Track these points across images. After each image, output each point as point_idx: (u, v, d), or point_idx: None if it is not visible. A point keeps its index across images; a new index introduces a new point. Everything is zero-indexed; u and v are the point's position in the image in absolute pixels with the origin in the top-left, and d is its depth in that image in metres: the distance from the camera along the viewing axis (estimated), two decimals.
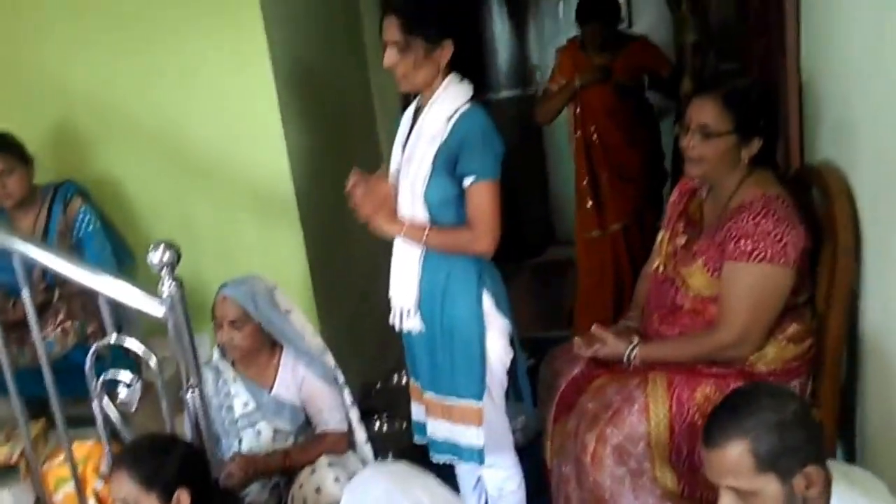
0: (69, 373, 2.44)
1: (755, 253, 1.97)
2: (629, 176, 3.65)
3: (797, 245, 1.98)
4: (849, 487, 1.49)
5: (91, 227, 2.81)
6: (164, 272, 1.94)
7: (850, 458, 2.15)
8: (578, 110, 3.65)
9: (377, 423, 3.21)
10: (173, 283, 1.95)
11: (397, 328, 2.30)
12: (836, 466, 1.56)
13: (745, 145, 2.05)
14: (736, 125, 2.04)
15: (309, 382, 2.43)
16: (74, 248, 2.78)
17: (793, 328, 2.06)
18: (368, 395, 3.43)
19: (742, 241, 1.99)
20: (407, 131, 2.22)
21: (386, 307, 2.35)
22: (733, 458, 1.46)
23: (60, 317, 2.70)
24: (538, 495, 2.46)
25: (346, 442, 2.46)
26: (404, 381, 3.34)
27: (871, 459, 2.02)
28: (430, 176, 2.09)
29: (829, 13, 2.19)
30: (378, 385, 3.52)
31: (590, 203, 3.66)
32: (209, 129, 2.90)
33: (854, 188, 2.04)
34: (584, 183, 3.67)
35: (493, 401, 2.23)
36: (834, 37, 2.17)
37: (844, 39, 2.08)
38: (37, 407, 2.49)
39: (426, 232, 2.11)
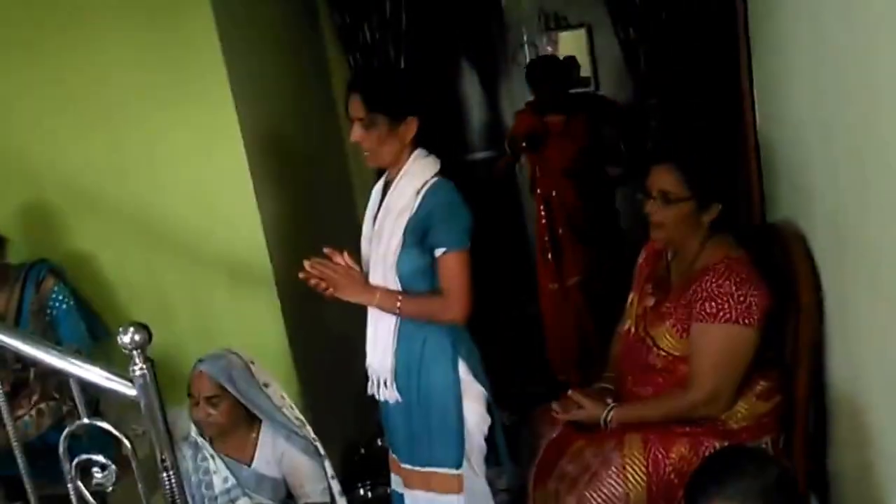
0: (46, 453, 2.41)
1: (720, 314, 2.02)
2: (586, 234, 3.73)
3: (760, 305, 2.03)
4: None
5: (65, 305, 2.81)
6: (135, 353, 1.95)
7: None
8: (538, 170, 3.76)
9: (360, 491, 3.19)
10: (143, 365, 1.95)
11: (375, 397, 2.30)
12: None
13: (704, 210, 2.12)
14: (694, 191, 2.10)
15: (289, 456, 2.42)
16: (49, 327, 2.78)
17: (761, 385, 2.10)
18: (350, 461, 3.40)
19: (707, 303, 2.04)
20: (377, 205, 2.26)
21: (365, 372, 2.36)
22: None
23: (35, 397, 2.67)
24: None
25: None
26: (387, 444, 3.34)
27: None
28: (402, 248, 2.13)
29: (776, 71, 2.26)
30: (361, 451, 3.49)
31: (549, 257, 3.73)
32: (180, 202, 2.91)
33: (812, 246, 2.10)
34: (545, 238, 3.75)
35: (473, 467, 2.24)
36: (784, 96, 2.24)
37: (793, 99, 2.15)
38: (15, 488, 2.46)
39: (399, 299, 2.13)
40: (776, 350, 2.14)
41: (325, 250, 2.18)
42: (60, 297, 2.80)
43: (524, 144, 3.72)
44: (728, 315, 2.01)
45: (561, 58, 4.33)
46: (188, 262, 2.96)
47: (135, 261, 2.99)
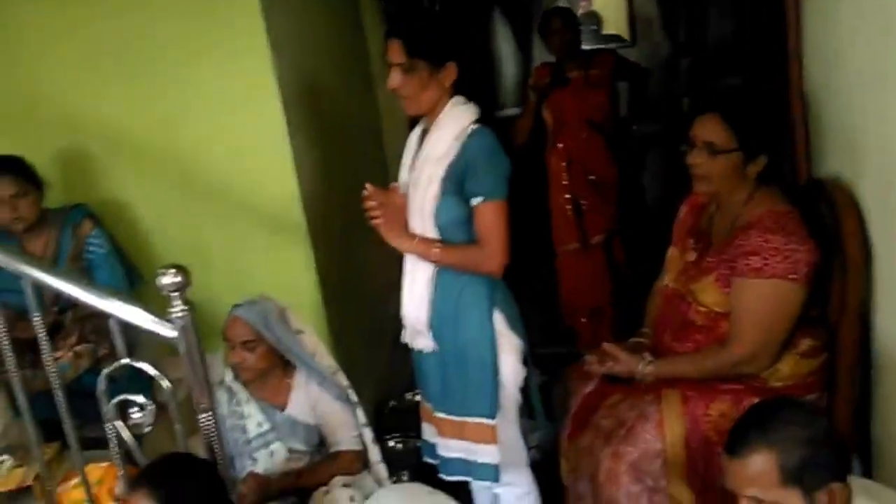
0: (83, 396, 2.44)
1: (765, 269, 1.97)
2: (607, 187, 3.67)
3: (807, 260, 1.98)
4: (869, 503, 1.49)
5: (102, 250, 2.82)
6: (174, 296, 1.96)
7: (867, 472, 2.13)
8: (559, 124, 3.69)
9: (391, 442, 3.20)
10: (183, 306, 1.96)
11: (408, 347, 2.30)
12: (856, 482, 1.55)
13: (751, 162, 2.06)
14: (741, 142, 2.04)
15: (322, 402, 2.44)
16: (85, 272, 2.79)
17: (806, 343, 2.06)
18: (381, 414, 3.42)
19: (752, 258, 1.99)
20: (413, 154, 2.23)
21: (398, 326, 2.36)
22: (758, 469, 1.45)
23: (72, 340, 2.70)
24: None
25: (360, 461, 2.45)
26: (417, 398, 3.35)
27: (889, 473, 2.01)
28: (439, 197, 2.11)
29: (831, 23, 2.20)
30: (391, 403, 3.51)
31: (570, 214, 3.67)
32: (217, 150, 2.91)
33: (861, 201, 2.04)
34: (566, 196, 3.69)
35: (507, 419, 2.23)
36: (837, 48, 2.17)
37: (848, 50, 2.08)
38: (51, 430, 2.49)
39: (436, 248, 2.11)
40: (822, 308, 2.10)
41: (392, 185, 2.16)
42: (97, 243, 2.81)
43: (542, 93, 3.64)
44: (774, 270, 1.96)
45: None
46: (223, 211, 2.96)
47: (170, 209, 3.00)
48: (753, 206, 2.06)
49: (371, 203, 2.12)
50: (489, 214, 2.09)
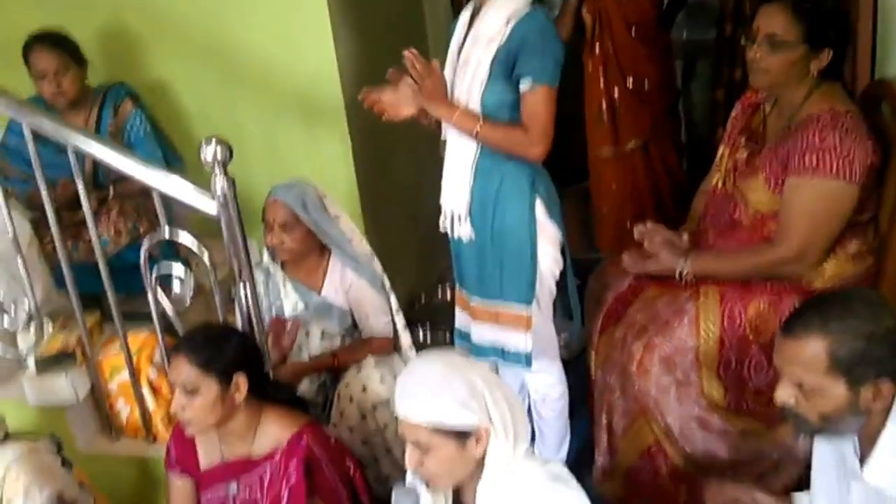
0: (122, 271, 2.49)
1: (820, 168, 1.91)
2: (645, 91, 3.55)
3: (863, 161, 1.92)
4: None
5: (142, 130, 2.83)
6: (216, 169, 1.95)
7: None
8: (597, 24, 3.54)
9: (420, 334, 3.24)
10: (225, 179, 1.96)
11: (448, 233, 2.28)
12: None
13: (814, 56, 1.98)
14: (806, 35, 1.95)
15: (356, 287, 2.46)
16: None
17: (854, 246, 2.02)
18: (412, 308, 3.45)
19: (807, 156, 1.93)
20: (463, 35, 2.17)
21: (432, 221, 2.34)
22: (808, 352, 1.42)
23: (113, 215, 2.74)
24: (581, 406, 2.49)
25: (391, 346, 2.50)
26: (448, 295, 3.37)
27: None
28: (488, 80, 2.05)
29: None
30: (422, 298, 3.53)
31: (606, 118, 3.58)
32: (259, 34, 2.86)
33: None
34: (601, 100, 3.59)
35: (542, 309, 2.23)
36: None
37: None
38: (90, 302, 2.56)
39: (479, 123, 2.06)
40: (874, 212, 2.04)
41: (433, 61, 2.10)
42: (137, 122, 2.82)
43: None
44: (829, 169, 1.90)
45: None
46: (263, 95, 2.94)
47: (210, 91, 2.98)
48: (812, 103, 1.99)
49: (411, 68, 2.06)
50: (537, 99, 2.03)
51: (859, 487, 1.50)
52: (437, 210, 2.31)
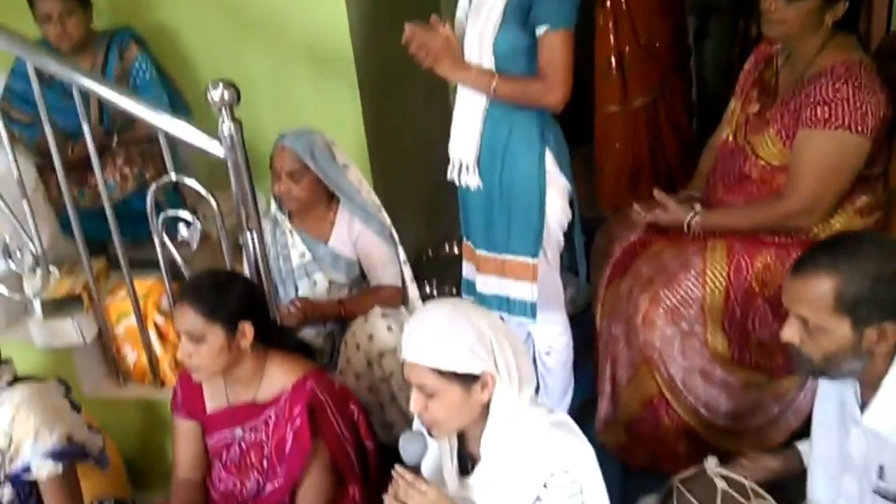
0: (128, 218, 2.49)
1: (832, 120, 1.91)
2: (655, 48, 3.51)
3: (876, 113, 1.91)
4: None
5: (147, 75, 2.80)
6: (223, 112, 1.94)
7: None
8: None
9: (427, 290, 3.24)
10: (232, 122, 1.95)
11: (455, 183, 2.28)
12: None
13: (829, 8, 1.96)
14: None
15: (364, 238, 2.45)
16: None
17: (862, 200, 2.02)
18: (419, 263, 3.45)
19: (819, 108, 1.93)
20: None
21: (440, 178, 2.33)
22: (815, 291, 1.43)
23: (119, 161, 2.73)
24: (584, 361, 2.51)
25: (399, 297, 2.50)
26: (456, 250, 3.37)
27: None
28: (501, 25, 2.02)
29: None
30: (429, 253, 3.53)
31: (614, 74, 3.54)
32: None
33: None
34: (609, 54, 3.54)
35: (549, 260, 2.23)
36: None
37: None
38: (97, 249, 2.57)
39: (495, 79, 2.04)
40: (884, 166, 2.03)
41: (432, 19, 2.08)
42: (143, 67, 2.79)
43: None
44: (840, 121, 1.89)
45: None
46: (271, 44, 2.90)
47: (217, 39, 2.94)
48: (826, 55, 1.98)
49: (413, 46, 2.05)
50: (554, 44, 2.00)
51: (858, 433, 1.52)
52: (446, 166, 2.30)
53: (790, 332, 1.48)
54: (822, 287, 1.42)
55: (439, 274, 3.32)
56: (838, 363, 1.46)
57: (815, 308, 1.43)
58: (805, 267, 1.46)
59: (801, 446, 1.78)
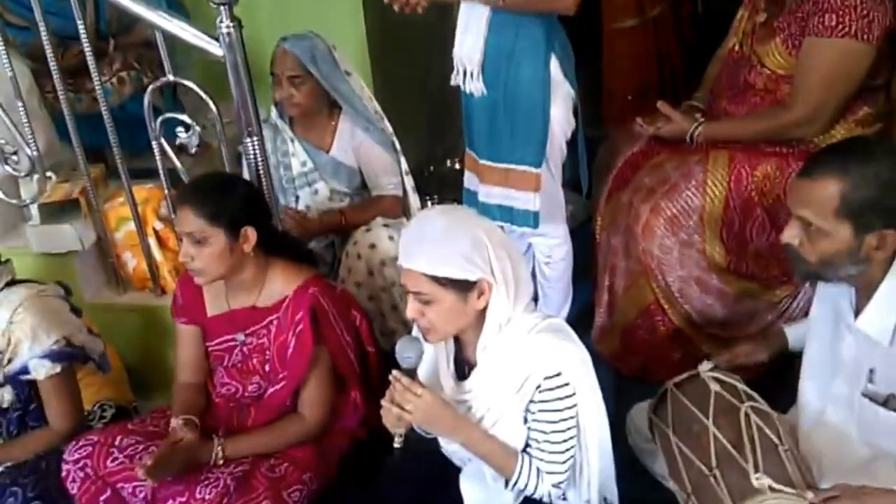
0: (126, 125, 2.46)
1: (839, 27, 1.90)
2: None
3: (882, 22, 1.91)
4: None
5: None
6: (222, 10, 1.90)
7: None
8: None
9: (428, 204, 3.23)
10: (231, 21, 1.91)
11: (460, 89, 2.25)
12: None
13: None
14: None
15: (366, 147, 2.44)
16: None
17: (864, 111, 2.02)
18: (420, 178, 3.43)
19: (826, 16, 1.91)
20: None
21: (444, 88, 2.29)
22: (821, 193, 1.43)
23: (116, 66, 2.69)
24: (582, 276, 2.53)
25: (400, 207, 2.50)
26: (457, 166, 3.35)
27: None
28: None
29: None
30: (431, 168, 3.52)
31: None
32: None
33: None
34: None
35: (552, 170, 2.23)
36: None
37: None
38: (94, 156, 2.54)
39: None
40: (887, 78, 2.02)
41: None
42: None
43: None
44: (847, 29, 1.88)
45: None
46: None
47: None
48: None
49: None
50: None
51: (851, 339, 1.55)
52: (448, 81, 2.26)
53: (791, 234, 1.48)
54: (829, 189, 1.42)
55: (441, 189, 3.30)
56: (835, 267, 1.47)
57: (819, 210, 1.43)
58: (814, 169, 1.45)
59: (789, 330, 1.83)
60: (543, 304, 2.46)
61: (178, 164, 2.19)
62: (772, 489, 1.46)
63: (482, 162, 2.28)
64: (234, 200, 1.88)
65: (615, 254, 2.21)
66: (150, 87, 2.10)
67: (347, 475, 2.04)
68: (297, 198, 2.48)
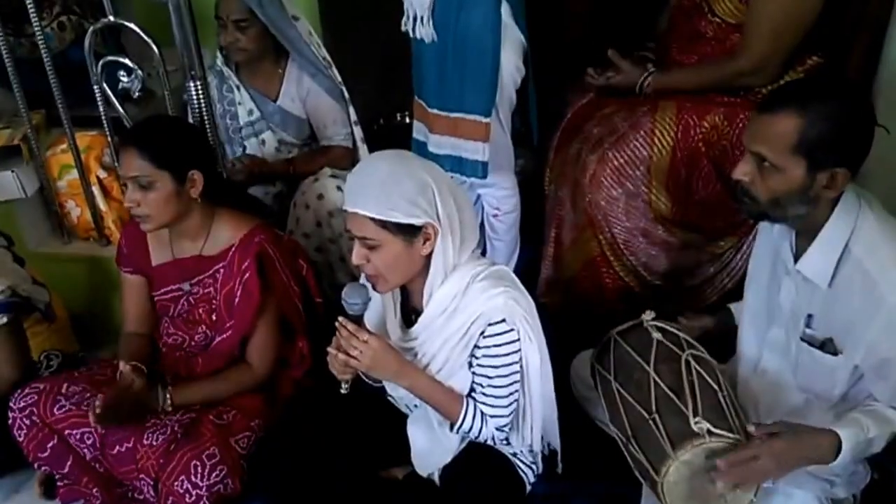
0: (67, 73, 2.38)
1: None
2: None
3: None
4: (855, 200, 1.48)
5: None
6: None
7: None
8: None
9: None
10: None
11: (409, 35, 2.22)
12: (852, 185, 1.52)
13: None
14: None
15: (314, 95, 2.40)
16: None
17: (812, 61, 2.03)
18: (370, 131, 3.40)
19: None
20: None
21: (393, 42, 2.25)
22: (779, 128, 1.42)
23: (57, 9, 2.60)
24: (529, 230, 2.53)
25: (349, 158, 2.47)
26: (406, 119, 3.32)
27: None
28: None
29: None
30: (381, 121, 3.48)
31: None
32: None
33: None
34: None
35: (501, 120, 2.22)
36: None
37: None
38: (35, 102, 2.46)
39: None
40: (834, 28, 2.03)
41: None
42: None
43: None
44: None
45: None
46: None
47: None
48: None
49: None
50: None
51: (790, 282, 1.56)
52: (398, 31, 2.22)
53: (743, 170, 1.47)
54: (787, 125, 1.41)
55: (390, 143, 3.26)
56: (784, 206, 1.46)
57: (775, 146, 1.42)
58: (773, 104, 1.44)
59: (734, 306, 1.84)
60: (491, 256, 2.47)
61: (121, 110, 2.13)
62: (710, 433, 1.47)
63: (431, 111, 2.26)
64: (180, 143, 1.83)
65: (562, 206, 2.21)
66: (91, 28, 2.04)
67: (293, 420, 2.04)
68: (244, 148, 2.43)
